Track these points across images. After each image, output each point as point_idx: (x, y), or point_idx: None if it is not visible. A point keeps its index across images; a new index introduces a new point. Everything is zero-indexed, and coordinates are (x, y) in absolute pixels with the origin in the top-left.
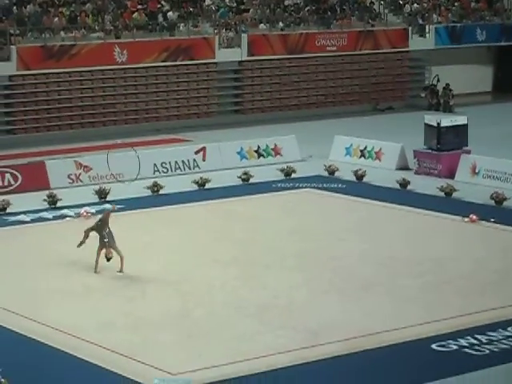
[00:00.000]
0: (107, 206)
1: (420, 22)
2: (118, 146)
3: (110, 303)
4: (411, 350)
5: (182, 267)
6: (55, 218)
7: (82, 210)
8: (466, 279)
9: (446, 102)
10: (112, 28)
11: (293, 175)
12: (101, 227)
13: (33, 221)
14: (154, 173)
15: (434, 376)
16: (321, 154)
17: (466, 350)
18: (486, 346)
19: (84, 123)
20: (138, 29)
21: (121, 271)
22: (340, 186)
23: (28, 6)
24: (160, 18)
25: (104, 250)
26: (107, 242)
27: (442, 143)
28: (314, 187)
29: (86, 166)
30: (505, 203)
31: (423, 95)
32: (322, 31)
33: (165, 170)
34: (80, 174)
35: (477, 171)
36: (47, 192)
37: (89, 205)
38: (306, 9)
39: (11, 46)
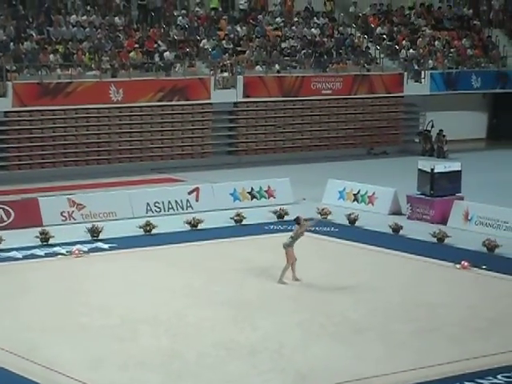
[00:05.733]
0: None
1: (416, 67)
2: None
3: (100, 342)
4: None
5: (173, 307)
6: (47, 255)
7: (74, 248)
8: (457, 326)
9: (439, 147)
10: (108, 67)
11: (285, 218)
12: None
13: (24, 257)
14: (146, 212)
15: None
16: (314, 197)
17: None
18: None
19: (78, 161)
20: (135, 68)
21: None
22: (332, 229)
23: (25, 43)
24: (156, 58)
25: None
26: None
27: (435, 189)
28: (306, 230)
29: (79, 204)
30: (497, 250)
31: (417, 140)
32: (318, 74)
33: (158, 210)
34: (73, 212)
35: (469, 218)
36: (40, 229)
37: (81, 243)
38: (303, 52)
39: (7, 82)
